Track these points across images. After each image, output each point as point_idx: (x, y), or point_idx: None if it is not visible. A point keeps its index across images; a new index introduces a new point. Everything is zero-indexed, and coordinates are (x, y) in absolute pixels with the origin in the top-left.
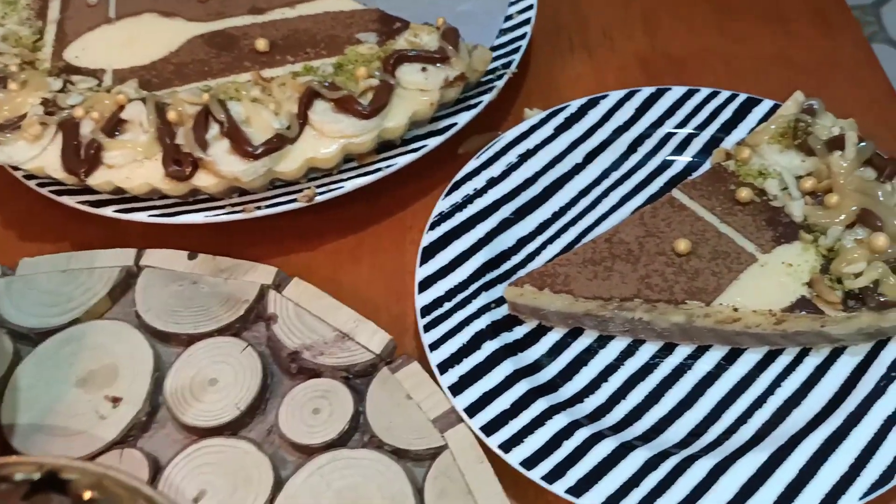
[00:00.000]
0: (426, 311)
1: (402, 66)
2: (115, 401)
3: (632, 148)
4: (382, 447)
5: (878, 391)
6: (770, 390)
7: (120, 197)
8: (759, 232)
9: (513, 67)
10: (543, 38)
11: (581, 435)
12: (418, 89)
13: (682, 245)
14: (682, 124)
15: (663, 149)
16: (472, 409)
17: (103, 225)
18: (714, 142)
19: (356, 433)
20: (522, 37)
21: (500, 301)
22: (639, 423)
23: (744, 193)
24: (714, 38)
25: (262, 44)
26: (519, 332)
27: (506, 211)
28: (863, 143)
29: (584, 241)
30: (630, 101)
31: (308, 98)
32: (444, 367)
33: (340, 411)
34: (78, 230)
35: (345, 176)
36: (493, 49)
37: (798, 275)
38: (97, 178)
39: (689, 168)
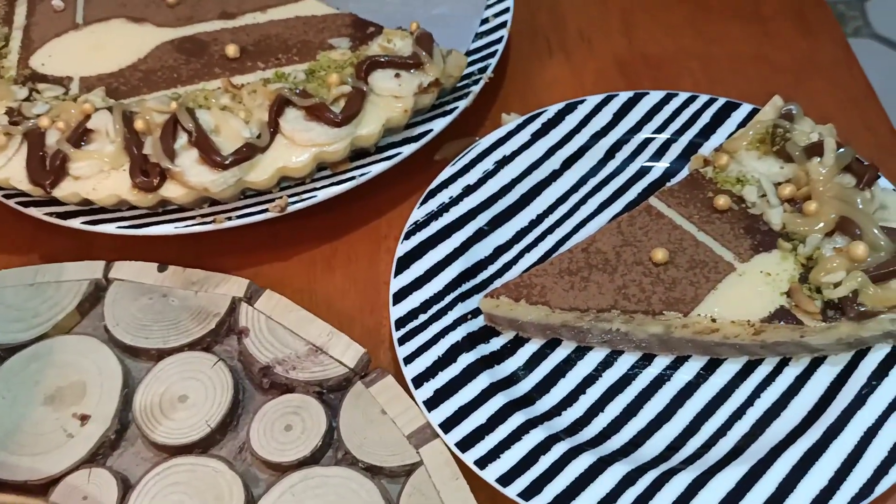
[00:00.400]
0: (401, 323)
1: (375, 72)
2: (84, 419)
3: (610, 153)
4: (356, 464)
5: (858, 401)
6: (749, 401)
7: (88, 208)
8: (737, 240)
9: (489, 72)
10: (520, 41)
11: (559, 450)
12: (392, 96)
13: (660, 254)
14: (660, 129)
15: (641, 154)
16: (448, 425)
17: (71, 237)
18: (692, 147)
19: (329, 450)
20: (499, 40)
21: (476, 312)
22: (617, 436)
23: (721, 201)
24: (691, 38)
25: (232, 50)
26: (496, 343)
27: (482, 219)
28: (842, 150)
29: (562, 249)
30: (608, 106)
31: (279, 106)
32: (419, 381)
33: (313, 427)
34: (45, 242)
35: (318, 185)
36: (469, 53)
37: (776, 284)
38: (63, 190)
39: (668, 174)
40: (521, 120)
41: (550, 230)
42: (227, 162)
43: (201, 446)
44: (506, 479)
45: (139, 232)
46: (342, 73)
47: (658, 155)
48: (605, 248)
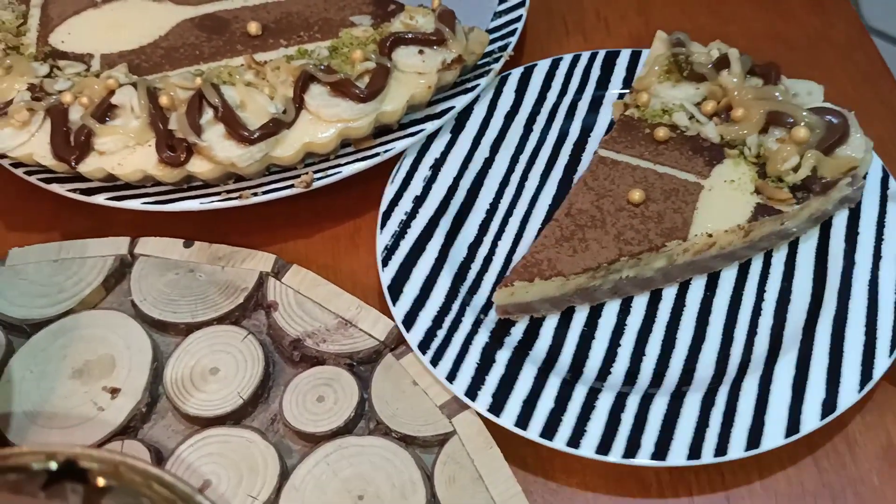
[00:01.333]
0: (424, 346)
1: (399, 48)
2: (114, 392)
3: (527, 128)
4: (389, 434)
5: (848, 261)
6: (760, 296)
7: (112, 184)
8: (691, 162)
9: (510, 49)
10: (538, 20)
11: (606, 398)
12: (415, 72)
13: (637, 195)
14: (561, 93)
15: (555, 121)
16: (495, 407)
17: (94, 214)
18: (595, 102)
19: (362, 420)
20: (518, 19)
21: (485, 309)
22: (669, 372)
23: (661, 133)
24: (707, 17)
25: (254, 27)
26: (517, 331)
27: (445, 224)
28: (743, 56)
29: (529, 226)
30: (507, 86)
31: (304, 82)
32: (471, 393)
33: (345, 398)
34: (68, 219)
35: (342, 161)
36: (490, 31)
37: (743, 187)
38: (88, 165)
39: (585, 130)
40: (438, 123)
41: (509, 213)
42: (253, 136)
43: (233, 418)
44: (549, 430)
45: (164, 208)
46: (365, 50)
47: (570, 117)
48: (585, 207)
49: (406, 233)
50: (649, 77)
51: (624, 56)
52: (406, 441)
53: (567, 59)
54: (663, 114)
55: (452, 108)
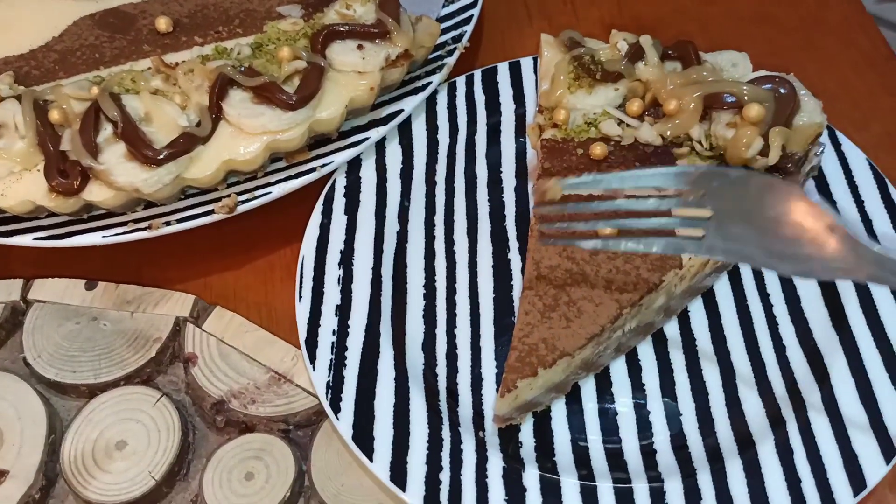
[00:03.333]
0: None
1: (334, 44)
2: (1, 475)
3: (429, 182)
4: None
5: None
6: (767, 303)
7: None
8: None
9: (464, 41)
10: (496, 6)
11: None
12: (355, 72)
13: (607, 231)
14: (452, 132)
15: (456, 165)
16: None
17: None
18: (492, 131)
19: (300, 500)
20: (473, 4)
21: (478, 424)
22: (718, 432)
23: (598, 150)
24: None
25: (163, 23)
26: (527, 437)
27: (385, 330)
28: (653, 41)
29: (483, 300)
30: (389, 143)
31: (221, 87)
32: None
33: (279, 474)
34: None
35: (272, 179)
36: (441, 20)
37: None
38: None
39: (493, 167)
40: (381, 133)
41: (451, 290)
42: (160, 156)
43: (145, 503)
44: None
45: (61, 243)
46: (295, 47)
47: (470, 157)
48: (554, 262)
49: (346, 357)
50: (557, 89)
51: (503, 70)
52: None
53: (443, 92)
54: (589, 127)
55: (401, 111)
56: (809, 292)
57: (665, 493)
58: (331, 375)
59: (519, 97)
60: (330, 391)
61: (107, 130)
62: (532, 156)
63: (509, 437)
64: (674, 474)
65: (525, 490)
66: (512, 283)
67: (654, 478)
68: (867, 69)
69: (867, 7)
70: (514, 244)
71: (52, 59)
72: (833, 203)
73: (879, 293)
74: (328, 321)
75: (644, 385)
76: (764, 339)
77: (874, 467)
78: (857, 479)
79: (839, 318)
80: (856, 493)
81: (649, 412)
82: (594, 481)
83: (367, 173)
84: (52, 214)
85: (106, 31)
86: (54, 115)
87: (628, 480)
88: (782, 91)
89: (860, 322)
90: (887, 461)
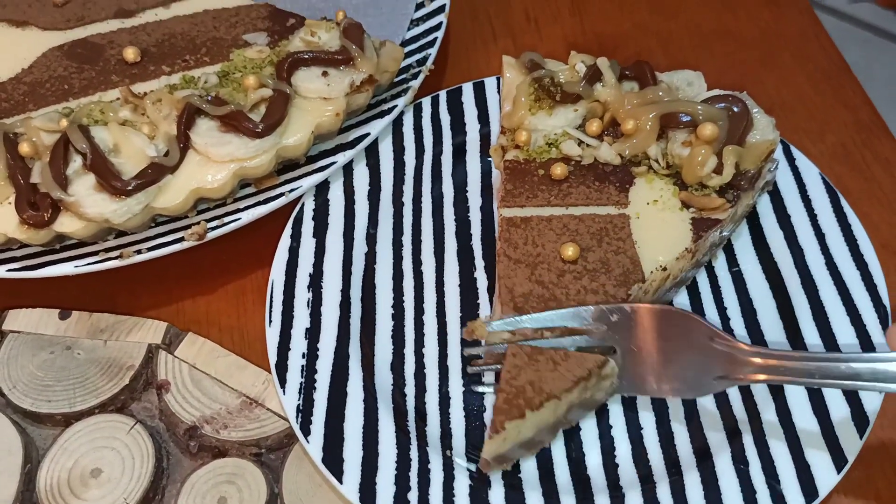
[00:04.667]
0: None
1: (299, 70)
2: None
3: (397, 203)
4: None
5: (795, 248)
6: (724, 317)
7: None
8: (602, 194)
9: (429, 63)
10: (461, 27)
11: None
12: (320, 98)
13: (570, 250)
14: (419, 153)
15: (423, 186)
16: None
17: None
18: (458, 152)
19: None
20: (437, 27)
21: (447, 442)
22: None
23: (559, 170)
24: (648, 14)
25: (131, 53)
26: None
27: (355, 353)
28: (609, 62)
29: (451, 319)
30: (357, 166)
31: (188, 116)
32: None
33: (251, 499)
34: None
35: (241, 205)
36: (406, 44)
37: (669, 204)
38: None
39: (459, 188)
40: (349, 157)
41: (419, 310)
42: (129, 187)
43: None
44: None
45: (34, 274)
46: (260, 75)
47: (436, 178)
48: (525, 288)
49: (315, 380)
50: (518, 110)
51: (468, 91)
52: None
53: (409, 114)
54: (550, 148)
55: (367, 135)
56: (764, 305)
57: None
58: (301, 399)
59: (483, 117)
60: (300, 415)
61: (76, 162)
62: (497, 175)
63: (477, 458)
64: (634, 487)
65: None
66: (478, 301)
67: (615, 489)
68: (822, 81)
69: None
70: (479, 262)
71: (22, 92)
72: (787, 219)
73: (832, 306)
74: (298, 344)
75: (607, 405)
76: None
77: (826, 477)
78: (809, 488)
79: (793, 329)
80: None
81: (611, 427)
82: (558, 497)
83: (335, 196)
84: (25, 245)
85: (74, 61)
86: (24, 148)
87: (592, 496)
88: (735, 110)
89: (812, 333)
90: (838, 471)
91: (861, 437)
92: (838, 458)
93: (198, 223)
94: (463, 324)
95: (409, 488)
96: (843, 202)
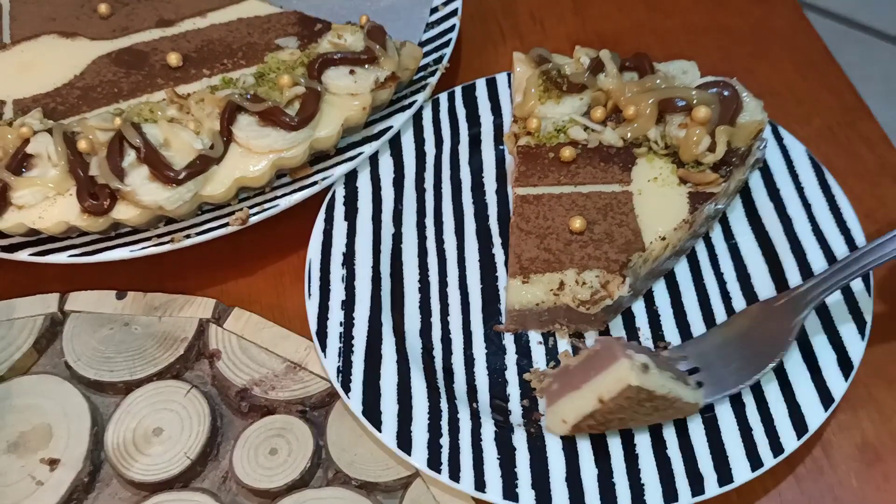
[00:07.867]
0: (434, 465)
1: (329, 70)
2: (52, 463)
3: (419, 189)
4: (349, 482)
5: (784, 218)
6: (721, 279)
7: (35, 238)
8: (607, 173)
9: (444, 62)
10: (472, 28)
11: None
12: (348, 94)
13: (577, 222)
14: (438, 143)
15: (443, 173)
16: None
17: (20, 270)
18: (474, 141)
19: (319, 470)
20: (451, 29)
21: (473, 395)
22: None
23: (567, 153)
24: (645, 13)
25: (174, 58)
26: (515, 406)
27: (387, 321)
28: (613, 54)
29: (472, 290)
30: (382, 156)
31: (230, 113)
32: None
33: (300, 449)
34: None
35: (279, 192)
36: (423, 44)
37: (668, 181)
38: (7, 222)
39: (476, 172)
40: (374, 148)
41: (443, 283)
42: (180, 177)
43: (182, 480)
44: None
45: (93, 259)
46: (294, 74)
47: (454, 165)
48: (533, 254)
49: (352, 345)
50: (529, 101)
51: (481, 86)
52: (367, 488)
53: (428, 108)
54: (559, 133)
55: (390, 127)
56: (757, 269)
57: (636, 445)
58: (340, 361)
59: (496, 109)
60: (340, 374)
61: (130, 156)
62: (510, 161)
63: (501, 409)
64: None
65: (515, 450)
66: (497, 274)
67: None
68: (809, 70)
69: None
70: (497, 240)
71: (76, 95)
72: (776, 192)
73: (819, 268)
74: (335, 314)
75: None
76: (719, 310)
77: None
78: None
79: (783, 289)
80: (799, 437)
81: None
82: (576, 447)
83: (363, 184)
84: (84, 233)
85: (122, 67)
86: (82, 145)
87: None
88: (726, 94)
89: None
90: (826, 408)
91: (846, 380)
92: (826, 398)
93: (241, 209)
94: (483, 294)
95: (441, 435)
96: (828, 176)
